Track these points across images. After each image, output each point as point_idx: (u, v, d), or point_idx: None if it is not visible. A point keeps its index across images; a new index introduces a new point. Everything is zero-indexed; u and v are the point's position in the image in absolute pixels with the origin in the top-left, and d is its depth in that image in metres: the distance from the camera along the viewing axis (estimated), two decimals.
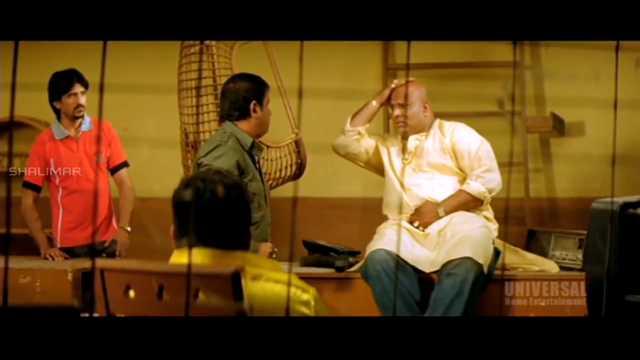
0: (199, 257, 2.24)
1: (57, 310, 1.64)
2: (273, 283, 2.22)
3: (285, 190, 4.93)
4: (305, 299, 2.24)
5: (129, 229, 4.90)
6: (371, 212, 4.85)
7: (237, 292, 2.07)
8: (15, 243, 5.72)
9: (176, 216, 2.29)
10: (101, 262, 2.76)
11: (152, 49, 5.52)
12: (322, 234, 4.87)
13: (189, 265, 1.79)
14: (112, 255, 4.81)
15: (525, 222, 5.33)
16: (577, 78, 5.50)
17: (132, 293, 2.27)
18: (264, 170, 4.42)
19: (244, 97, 4.18)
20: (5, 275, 1.84)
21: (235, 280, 2.07)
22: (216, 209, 2.24)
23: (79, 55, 4.96)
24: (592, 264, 2.99)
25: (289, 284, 2.17)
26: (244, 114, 4.19)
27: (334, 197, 5.60)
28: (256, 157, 4.27)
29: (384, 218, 4.57)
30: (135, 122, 5.68)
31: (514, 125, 5.53)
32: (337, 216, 5.52)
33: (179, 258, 2.29)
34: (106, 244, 4.86)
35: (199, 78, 4.68)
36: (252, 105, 4.18)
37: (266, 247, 4.18)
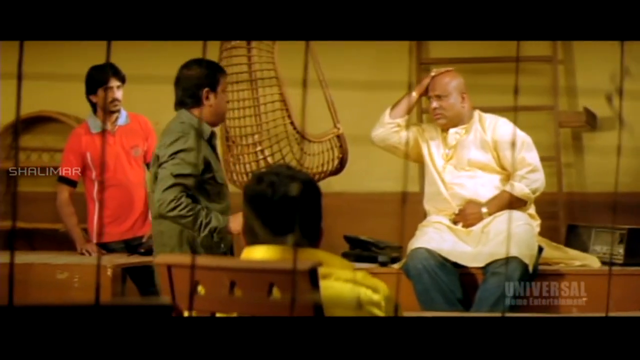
0: (270, 253, 2.21)
1: (152, 308, 1.61)
2: (343, 282, 2.19)
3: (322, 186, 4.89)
4: (376, 300, 2.19)
5: None
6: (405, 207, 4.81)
7: (314, 287, 2.04)
8: (39, 237, 5.71)
9: (249, 212, 2.25)
10: (167, 258, 2.73)
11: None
12: (356, 229, 4.83)
13: (294, 261, 1.77)
14: (149, 250, 4.77)
15: (558, 216, 5.30)
16: (610, 71, 5.45)
17: (201, 289, 2.25)
18: (305, 165, 4.37)
19: (196, 83, 3.92)
20: (98, 271, 1.81)
21: (312, 276, 2.04)
22: (290, 204, 2.21)
23: (114, 48, 4.92)
24: None
25: (376, 290, 2.13)
26: (197, 102, 3.92)
27: (367, 191, 5.57)
28: (215, 146, 4.06)
29: (422, 212, 4.53)
30: (166, 116, 5.63)
31: (556, 122, 5.45)
32: (370, 211, 5.47)
33: (250, 254, 2.26)
34: (143, 240, 4.81)
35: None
36: (204, 93, 3.93)
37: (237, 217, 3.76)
